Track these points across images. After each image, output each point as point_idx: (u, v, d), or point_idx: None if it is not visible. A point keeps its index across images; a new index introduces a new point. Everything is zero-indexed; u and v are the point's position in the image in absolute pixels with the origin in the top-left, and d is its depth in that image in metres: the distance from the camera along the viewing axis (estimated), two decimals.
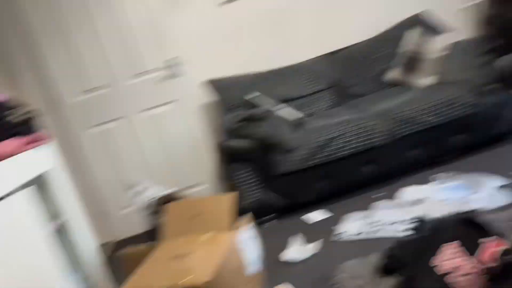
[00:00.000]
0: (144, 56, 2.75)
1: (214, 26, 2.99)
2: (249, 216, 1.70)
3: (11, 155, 1.50)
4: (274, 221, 2.40)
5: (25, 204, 1.43)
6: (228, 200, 1.59)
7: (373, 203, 2.17)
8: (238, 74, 2.87)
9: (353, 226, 2.01)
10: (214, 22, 2.98)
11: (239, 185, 2.39)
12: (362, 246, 1.82)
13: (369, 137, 2.28)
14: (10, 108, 1.60)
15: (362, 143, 2.29)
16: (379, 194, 2.26)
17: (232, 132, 2.49)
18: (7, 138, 1.53)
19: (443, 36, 2.69)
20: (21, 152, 1.55)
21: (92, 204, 2.96)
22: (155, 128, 2.85)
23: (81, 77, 2.75)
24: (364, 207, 2.16)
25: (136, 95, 2.80)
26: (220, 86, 2.80)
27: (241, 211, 2.08)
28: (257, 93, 2.62)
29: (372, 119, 2.32)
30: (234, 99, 2.73)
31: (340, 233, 1.98)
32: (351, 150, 2.29)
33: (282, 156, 2.30)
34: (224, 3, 2.95)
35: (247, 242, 1.65)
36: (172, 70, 2.76)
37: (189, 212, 1.60)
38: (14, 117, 1.58)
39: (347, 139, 2.28)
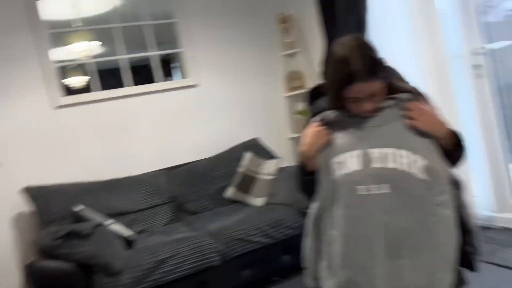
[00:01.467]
0: None
1: (46, 130, 2.75)
2: None
3: None
4: None
5: None
6: None
7: None
8: (63, 183, 2.59)
9: None
10: (46, 125, 2.75)
11: None
12: None
13: (203, 257, 2.21)
14: None
15: (195, 264, 2.19)
16: None
17: (49, 250, 2.12)
18: None
19: (274, 161, 2.97)
20: None
21: None
22: None
23: None
24: None
25: None
26: (39, 194, 2.44)
27: None
28: (83, 206, 2.35)
29: (205, 238, 2.28)
30: (56, 211, 2.40)
31: None
32: (184, 272, 2.16)
33: (108, 280, 2.02)
34: (59, 107, 2.78)
35: None
36: None
37: None
38: None
39: (180, 260, 2.16)
